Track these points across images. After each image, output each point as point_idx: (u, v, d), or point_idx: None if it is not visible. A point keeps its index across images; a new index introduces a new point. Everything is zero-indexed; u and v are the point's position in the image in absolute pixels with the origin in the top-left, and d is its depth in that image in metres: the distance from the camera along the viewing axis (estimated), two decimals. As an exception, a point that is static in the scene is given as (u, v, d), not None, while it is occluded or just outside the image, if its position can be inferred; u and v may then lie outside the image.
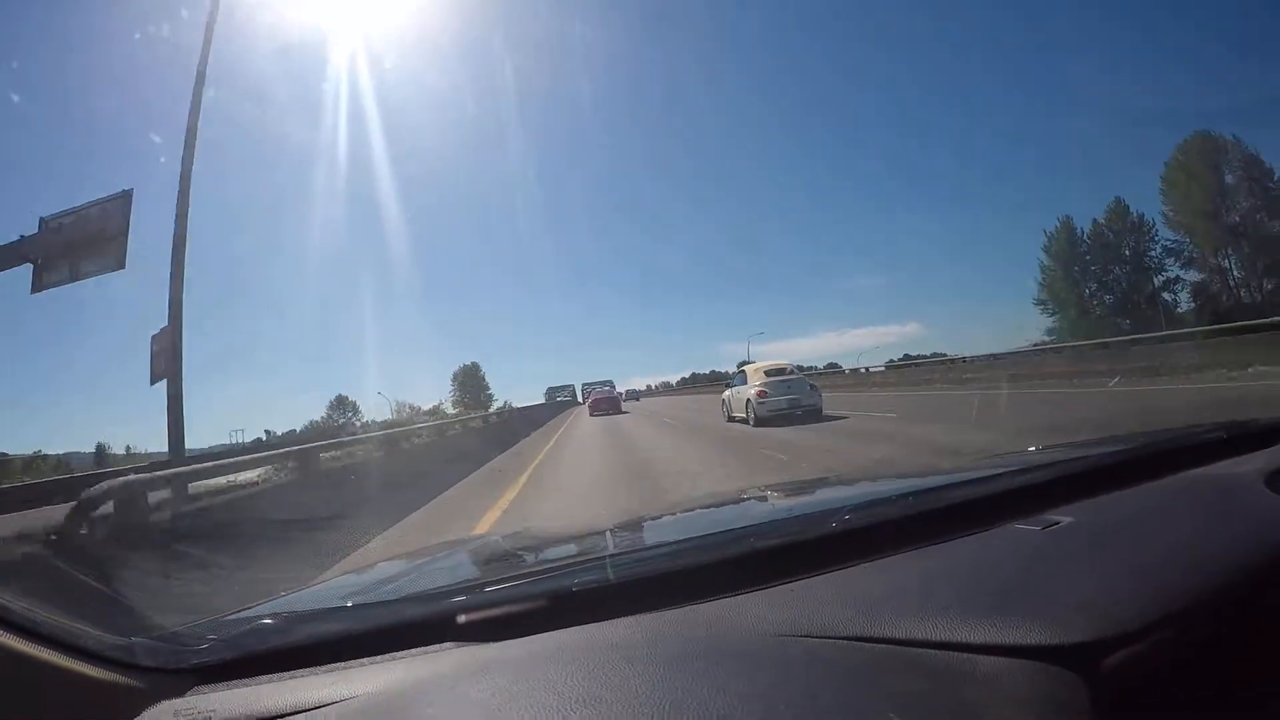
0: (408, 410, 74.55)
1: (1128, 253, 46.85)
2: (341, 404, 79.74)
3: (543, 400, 79.32)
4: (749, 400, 13.91)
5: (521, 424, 23.42)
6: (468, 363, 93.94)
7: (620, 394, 40.59)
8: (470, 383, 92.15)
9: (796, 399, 13.66)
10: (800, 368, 15.35)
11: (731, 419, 15.53)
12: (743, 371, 15.61)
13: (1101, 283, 48.05)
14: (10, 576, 3.48)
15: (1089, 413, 10.13)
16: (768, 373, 14.36)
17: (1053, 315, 48.80)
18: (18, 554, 3.82)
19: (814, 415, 13.60)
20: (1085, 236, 48.37)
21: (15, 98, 51.10)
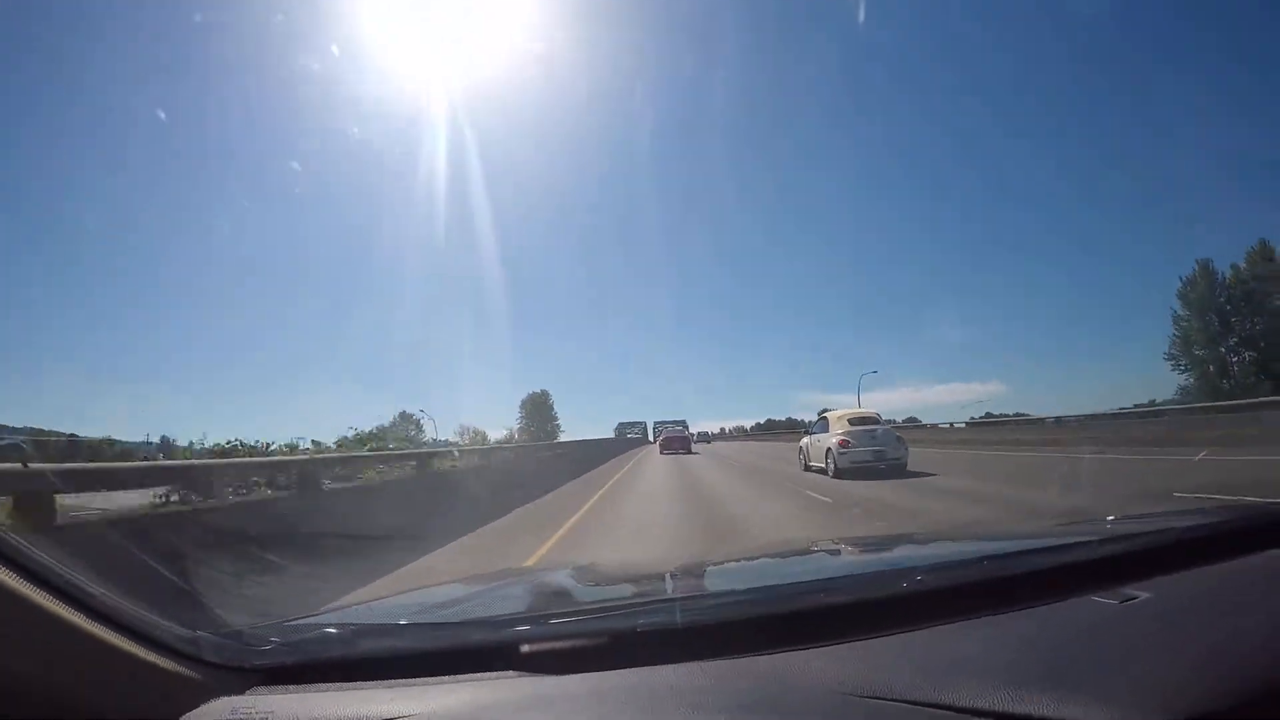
0: (469, 435, 74.83)
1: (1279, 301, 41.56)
2: (405, 420, 78.80)
3: (612, 435, 77.72)
4: (829, 449, 13.13)
5: (585, 458, 23.39)
6: (537, 390, 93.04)
7: (691, 435, 41.15)
8: (538, 412, 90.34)
9: (881, 450, 12.80)
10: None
11: (809, 468, 14.74)
12: (824, 418, 14.81)
13: (1243, 337, 43.09)
14: (90, 560, 3.75)
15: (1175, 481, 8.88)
16: (852, 421, 13.56)
17: (1184, 371, 44.38)
18: (101, 538, 3.96)
19: (897, 470, 12.68)
20: (1225, 282, 43.61)
21: (161, 114, 58.05)
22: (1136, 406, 28.33)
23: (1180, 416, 19.95)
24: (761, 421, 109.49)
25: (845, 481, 12.01)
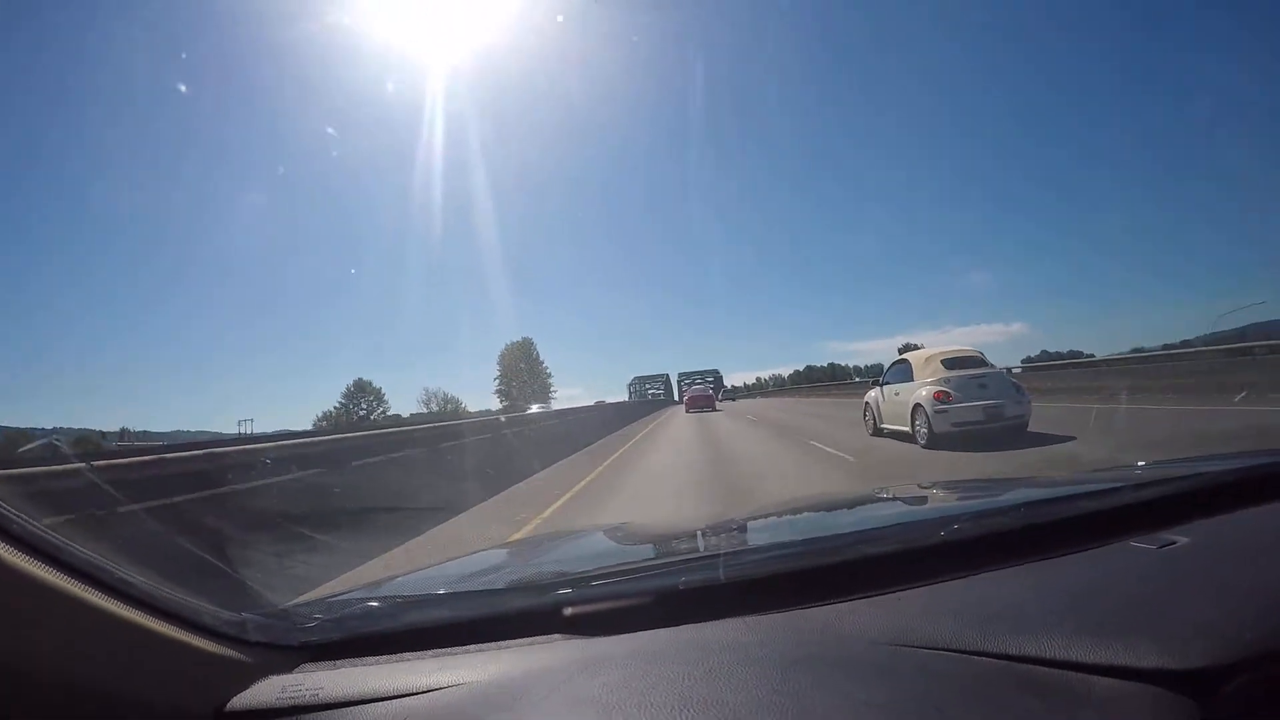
0: (436, 403, 66.67)
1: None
2: (361, 391, 66.68)
3: (626, 398, 66.28)
4: (919, 405, 8.98)
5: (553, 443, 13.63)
6: (516, 340, 74.33)
7: (712, 392, 41.15)
8: (521, 366, 72.14)
9: (997, 405, 8.56)
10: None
11: (880, 431, 10.63)
12: (904, 361, 10.39)
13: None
14: (132, 548, 3.51)
15: None
16: (947, 362, 9.26)
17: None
18: (139, 526, 3.81)
19: (1017, 433, 8.55)
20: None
21: (183, 87, 55.42)
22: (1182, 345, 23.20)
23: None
24: (799, 369, 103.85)
25: (949, 455, 7.92)
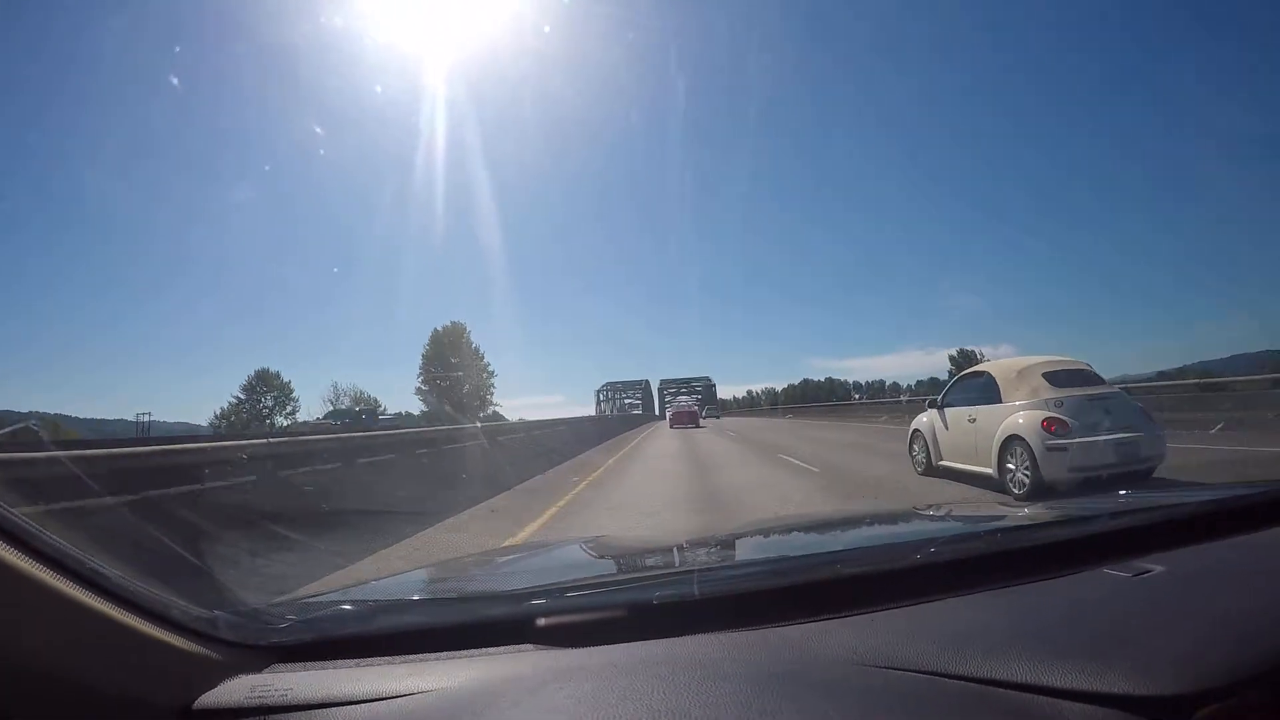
0: (353, 401, 56.21)
1: None
2: (264, 382, 54.36)
3: (594, 412, 54.77)
4: (1015, 439, 6.15)
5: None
6: (446, 324, 59.49)
7: (697, 409, 40.35)
8: (448, 360, 57.42)
9: (1132, 442, 5.80)
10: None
11: (934, 469, 7.79)
12: (979, 375, 7.49)
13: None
14: (108, 542, 3.34)
15: None
16: (1053, 377, 6.42)
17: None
18: (117, 520, 3.73)
19: (1141, 481, 5.74)
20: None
21: (175, 80, 52.63)
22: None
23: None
24: (796, 384, 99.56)
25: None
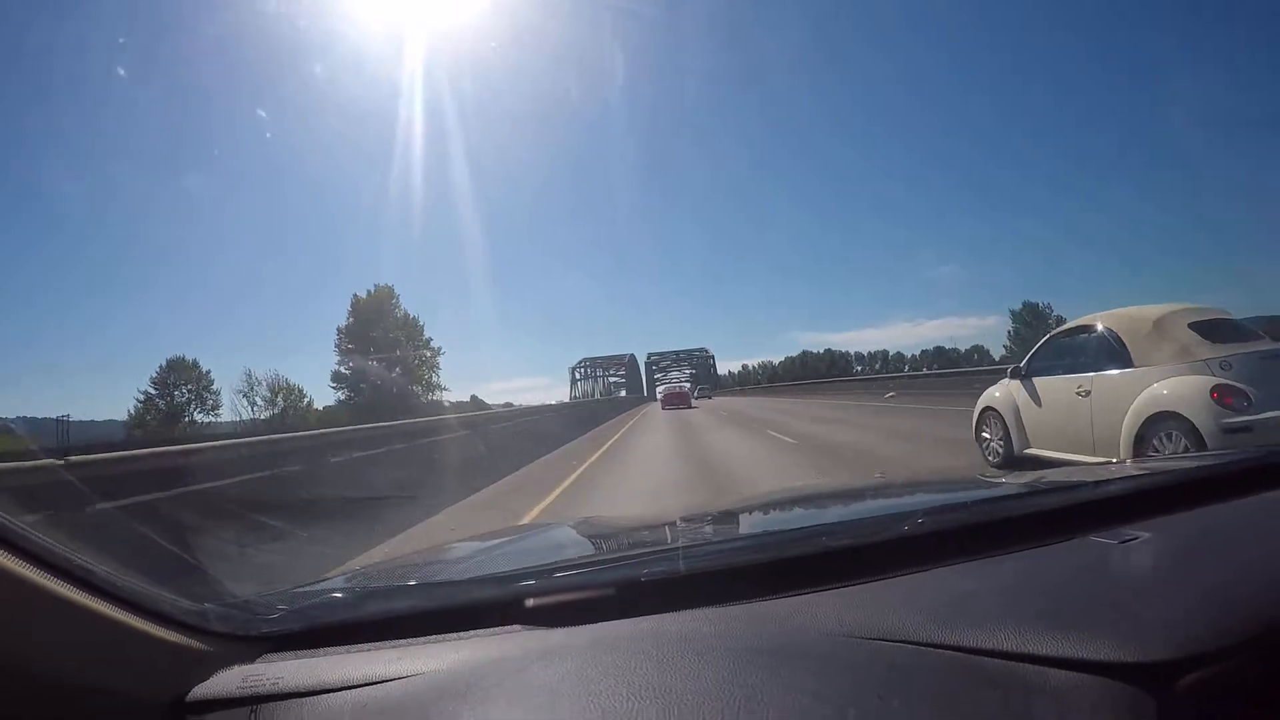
0: (273, 392, 46.92)
1: None
2: (177, 372, 45.72)
3: (571, 395, 46.64)
4: (1167, 414, 4.44)
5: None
6: (370, 289, 49.49)
7: (687, 389, 40.27)
8: (370, 335, 47.24)
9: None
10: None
11: (1018, 459, 6.04)
12: (1089, 330, 5.61)
13: None
14: (96, 538, 3.50)
15: None
16: (1202, 329, 4.72)
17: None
18: (103, 516, 3.80)
19: None
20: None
21: (121, 71, 49.53)
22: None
23: None
24: (795, 356, 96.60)
25: None
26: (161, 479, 4.65)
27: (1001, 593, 0.86)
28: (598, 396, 52.35)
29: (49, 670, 0.70)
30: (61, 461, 3.84)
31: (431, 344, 50.70)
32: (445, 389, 50.92)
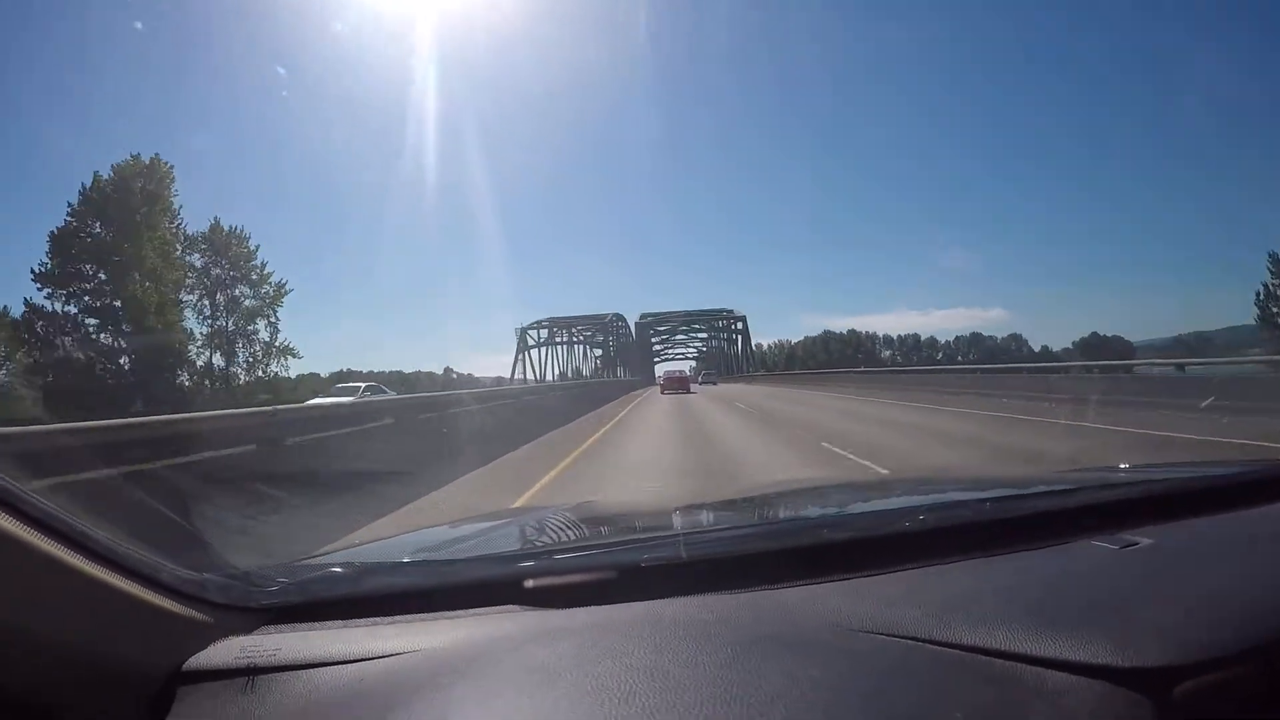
0: None
1: None
2: None
3: (519, 375, 34.00)
4: None
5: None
6: (221, 227, 33.29)
7: (687, 375, 38.81)
8: (225, 267, 31.13)
9: None
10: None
11: None
12: None
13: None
14: (98, 505, 3.43)
15: None
16: None
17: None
18: (106, 483, 3.68)
19: None
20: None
21: (138, 25, 48.89)
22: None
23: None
24: (816, 335, 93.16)
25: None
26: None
27: (1002, 592, 0.86)
28: (572, 378, 38.20)
29: (45, 635, 0.70)
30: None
31: (271, 277, 32.55)
32: (295, 354, 34.50)
